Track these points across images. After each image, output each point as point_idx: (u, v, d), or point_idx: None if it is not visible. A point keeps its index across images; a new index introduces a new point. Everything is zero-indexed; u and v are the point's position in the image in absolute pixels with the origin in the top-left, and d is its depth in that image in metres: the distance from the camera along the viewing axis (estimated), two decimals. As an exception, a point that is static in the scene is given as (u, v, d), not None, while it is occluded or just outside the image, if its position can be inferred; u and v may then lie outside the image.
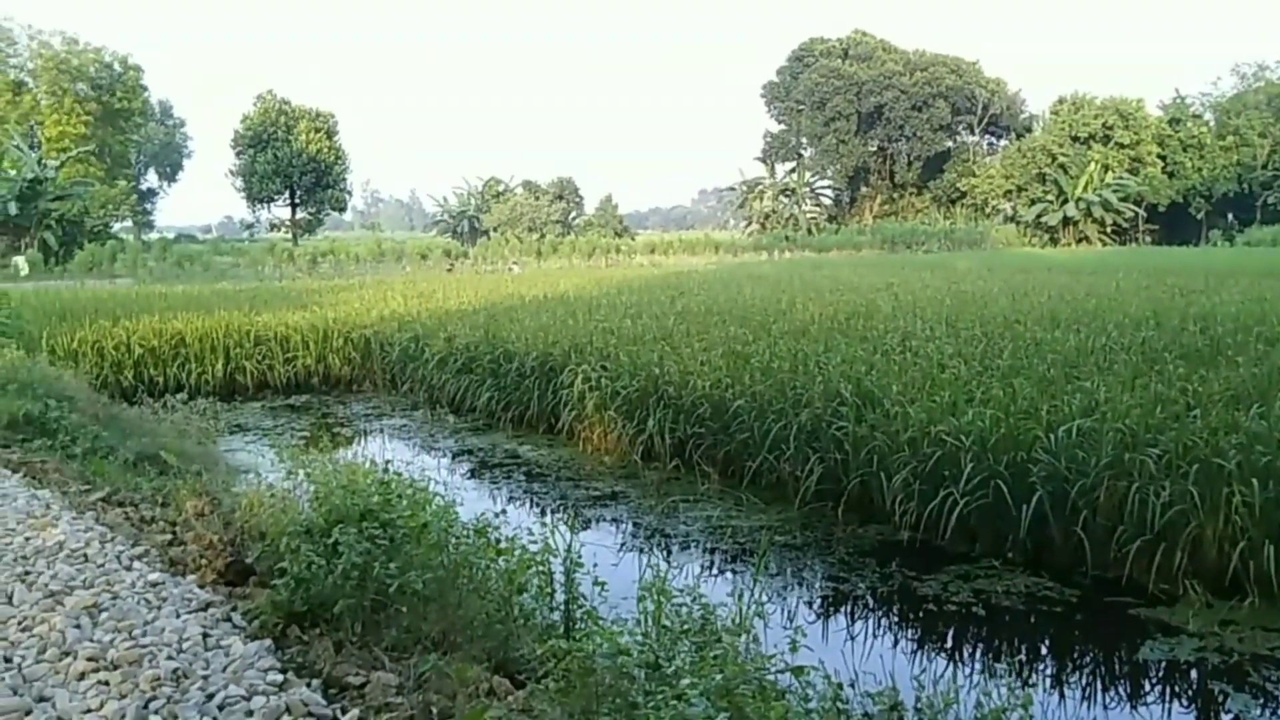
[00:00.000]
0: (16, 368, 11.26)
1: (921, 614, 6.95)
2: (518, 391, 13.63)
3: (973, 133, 77.19)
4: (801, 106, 74.96)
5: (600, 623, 4.78)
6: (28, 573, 4.90)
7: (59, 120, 60.37)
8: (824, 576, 7.73)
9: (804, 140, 77.76)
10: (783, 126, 78.92)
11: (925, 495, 8.00)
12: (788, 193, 76.30)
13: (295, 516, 5.53)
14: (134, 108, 66.84)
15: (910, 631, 6.86)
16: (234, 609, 4.56)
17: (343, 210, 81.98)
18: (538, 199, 71.75)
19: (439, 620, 4.45)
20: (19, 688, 3.67)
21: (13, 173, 49.46)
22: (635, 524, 9.36)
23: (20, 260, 45.13)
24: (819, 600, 7.39)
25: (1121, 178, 65.47)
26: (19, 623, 4.29)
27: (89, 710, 3.49)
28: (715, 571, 7.96)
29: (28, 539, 5.41)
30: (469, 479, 11.28)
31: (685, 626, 4.64)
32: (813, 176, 77.41)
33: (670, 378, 11.23)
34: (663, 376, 11.31)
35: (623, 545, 8.79)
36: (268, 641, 4.16)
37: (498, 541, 5.03)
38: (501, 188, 76.66)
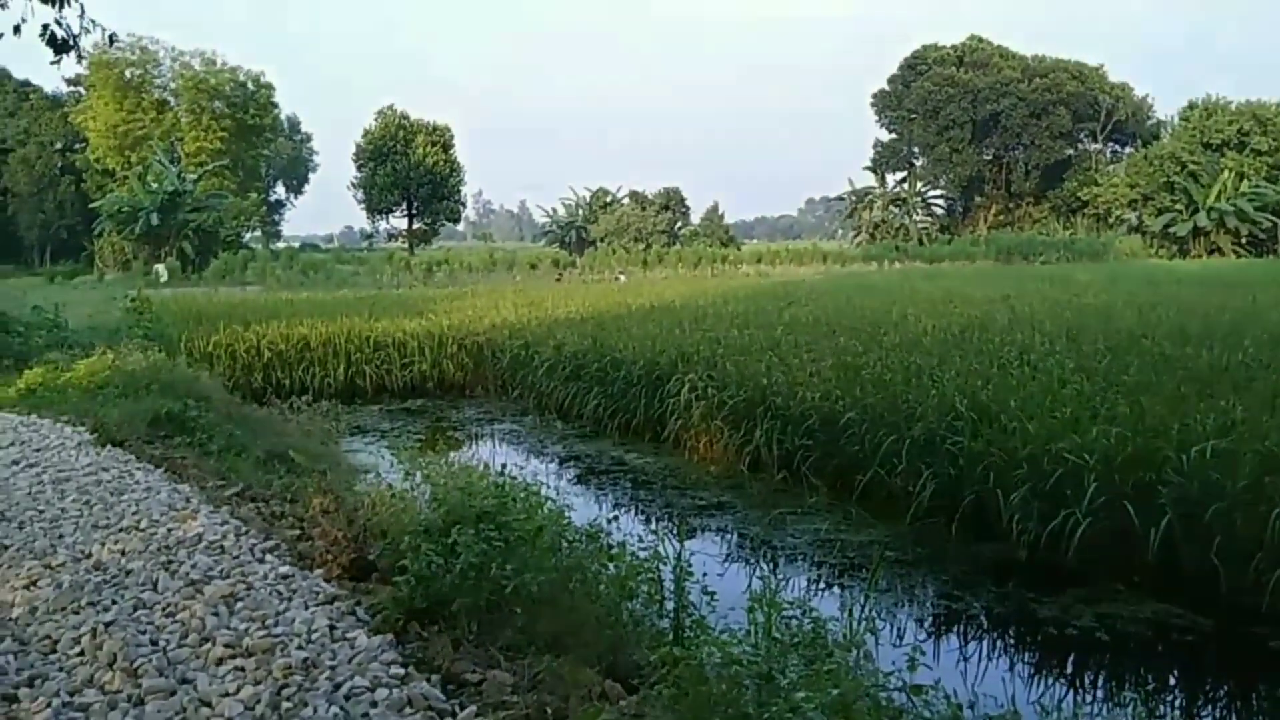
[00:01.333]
0: (159, 369, 11.95)
1: (1041, 637, 6.72)
2: (624, 399, 13.76)
3: (1095, 140, 74.21)
4: (914, 115, 73.42)
5: (710, 632, 4.80)
6: (170, 562, 5.20)
7: (197, 136, 63.74)
8: (937, 594, 7.56)
9: (916, 149, 76.12)
10: (894, 135, 77.45)
11: (1045, 514, 7.74)
12: (898, 203, 74.82)
13: (414, 516, 5.72)
14: (265, 124, 70.08)
15: (1029, 655, 6.65)
16: (358, 603, 4.74)
17: (457, 221, 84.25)
18: (644, 209, 72.21)
19: (552, 622, 4.54)
20: (164, 669, 3.91)
21: (155, 186, 52.49)
22: (741, 534, 9.33)
23: (161, 268, 47.84)
24: (932, 618, 7.22)
25: (1258, 186, 61.88)
26: (163, 609, 4.56)
27: (227, 694, 3.68)
28: (824, 585, 7.87)
29: (170, 530, 5.75)
30: (576, 484, 11.43)
31: (796, 640, 4.60)
32: (924, 186, 75.70)
33: (778, 388, 11.16)
34: (771, 387, 11.24)
35: (728, 555, 8.78)
36: (389, 636, 4.31)
37: (610, 548, 5.09)
38: (609, 198, 77.42)
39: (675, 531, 8.40)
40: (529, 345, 17.08)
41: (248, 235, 66.38)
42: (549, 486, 7.67)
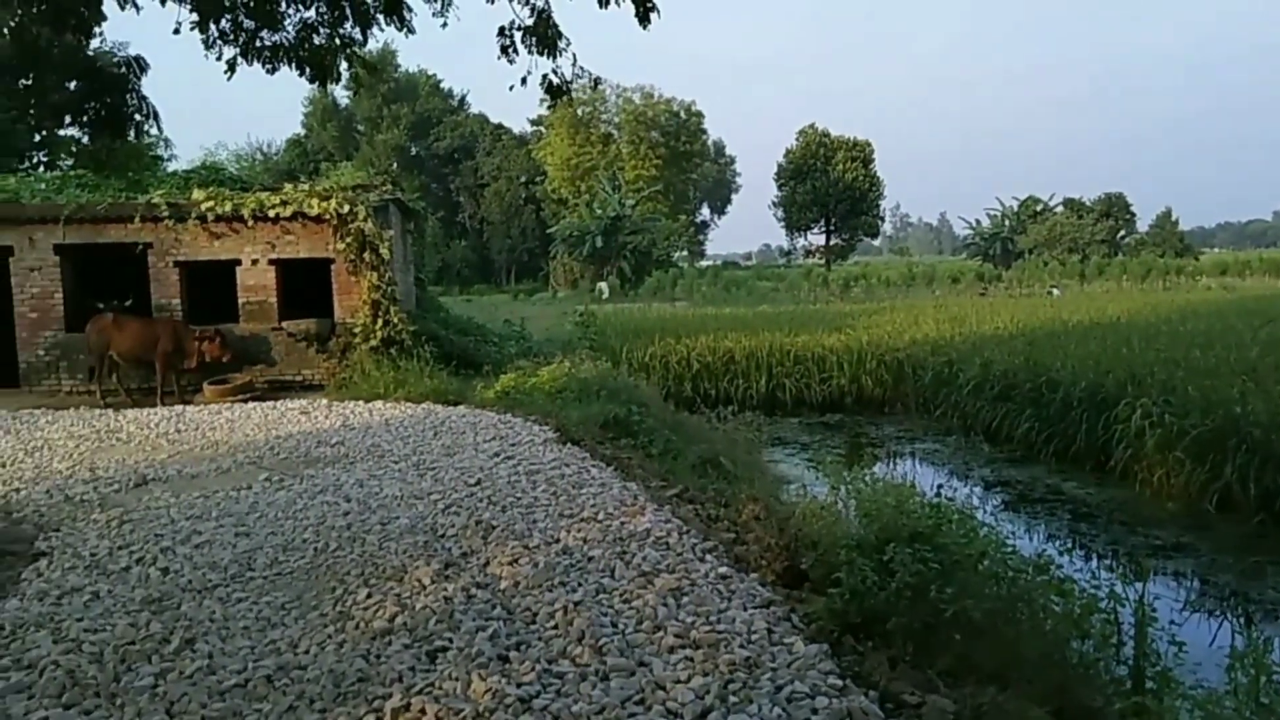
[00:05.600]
0: (605, 377, 13.22)
1: None
2: (1062, 423, 12.73)
3: None
4: None
5: (1178, 686, 4.28)
6: (624, 552, 5.71)
7: (636, 165, 69.92)
8: None
9: None
10: None
11: None
12: None
13: (845, 530, 5.75)
14: (695, 149, 75.01)
15: None
16: (792, 610, 4.85)
17: (875, 236, 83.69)
18: (1080, 217, 66.43)
19: (993, 653, 4.31)
20: (624, 651, 4.29)
21: (600, 211, 58.40)
22: (1205, 581, 8.21)
23: (603, 285, 53.12)
24: None
25: None
26: (620, 595, 5.01)
27: (678, 681, 3.95)
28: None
29: (622, 524, 6.31)
30: (1004, 511, 10.77)
31: (1292, 711, 3.95)
32: None
33: (1256, 418, 9.66)
34: (1246, 416, 9.77)
35: (1187, 603, 7.76)
36: (825, 646, 4.36)
37: (1061, 581, 4.72)
38: (1039, 207, 72.26)
39: (1126, 571, 7.61)
40: (952, 362, 16.45)
41: (676, 254, 71.25)
42: (983, 511, 7.30)
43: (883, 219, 78.59)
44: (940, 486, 5.96)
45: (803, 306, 34.38)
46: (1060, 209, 71.27)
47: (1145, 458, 10.89)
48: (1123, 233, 70.08)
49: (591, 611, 4.74)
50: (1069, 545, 9.49)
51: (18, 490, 7.98)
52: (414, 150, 76.47)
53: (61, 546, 6.31)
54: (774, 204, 76.65)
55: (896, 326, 21.21)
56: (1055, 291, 42.08)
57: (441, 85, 79.00)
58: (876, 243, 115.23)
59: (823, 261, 73.48)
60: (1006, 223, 73.46)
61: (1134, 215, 71.36)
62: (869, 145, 73.16)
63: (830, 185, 70.76)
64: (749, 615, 4.66)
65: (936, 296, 42.42)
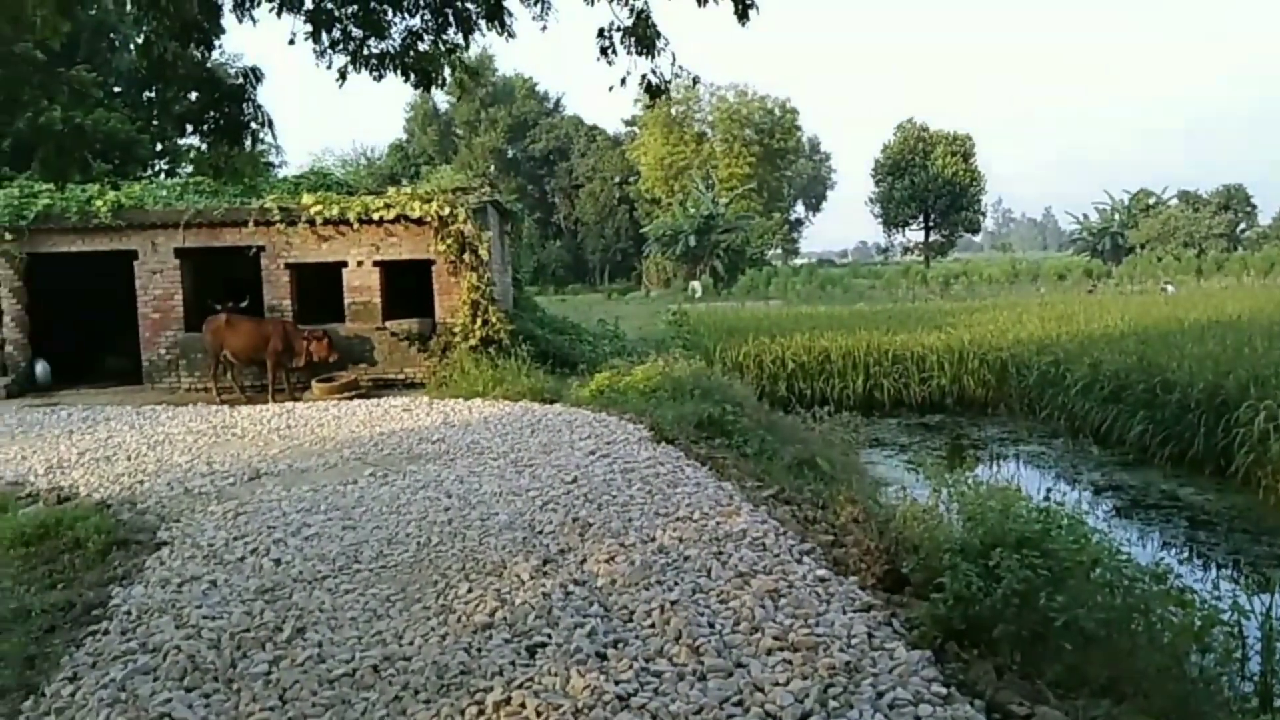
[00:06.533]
0: (699, 376, 13.19)
1: None
2: (1178, 426, 12.19)
3: None
4: None
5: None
6: (720, 552, 5.69)
7: (729, 163, 69.55)
8: None
9: None
10: None
11: None
12: None
13: (948, 534, 5.61)
14: (789, 147, 74.23)
15: None
16: (893, 615, 4.76)
17: (976, 232, 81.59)
18: (1196, 211, 63.45)
19: (1105, 664, 4.15)
20: (721, 651, 4.28)
21: (693, 210, 58.34)
22: (1340, 597, 7.72)
23: (695, 284, 53.06)
24: None
25: None
26: (717, 595, 5.00)
27: (777, 684, 3.92)
28: None
29: (718, 523, 6.29)
30: (1116, 517, 10.36)
31: None
32: None
33: (1395, 422, 9.08)
34: (1383, 420, 9.19)
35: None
36: (928, 652, 4.26)
37: (1180, 591, 4.52)
38: (1152, 200, 69.26)
39: (1250, 582, 7.24)
40: (1059, 362, 15.92)
41: (770, 253, 70.70)
42: (1094, 517, 7.04)
43: (984, 214, 76.50)
44: (1048, 490, 5.76)
45: (901, 305, 33.72)
46: (1174, 202, 68.21)
47: (1270, 463, 10.34)
48: (1243, 226, 66.67)
49: (688, 611, 4.74)
50: (1187, 554, 9.08)
51: (141, 482, 8.40)
52: (510, 152, 77.69)
53: (181, 536, 6.62)
54: (870, 200, 75.39)
55: (999, 325, 20.62)
56: (1169, 288, 40.28)
57: (537, 88, 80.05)
58: (978, 239, 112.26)
59: (921, 258, 71.90)
60: (1116, 217, 70.59)
61: (1255, 208, 67.83)
62: (969, 139, 71.33)
63: (929, 180, 69.20)
64: (848, 619, 4.60)
65: (1041, 294, 41.04)
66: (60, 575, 5.87)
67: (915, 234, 75.64)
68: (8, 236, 14.53)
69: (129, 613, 5.10)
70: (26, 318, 15.09)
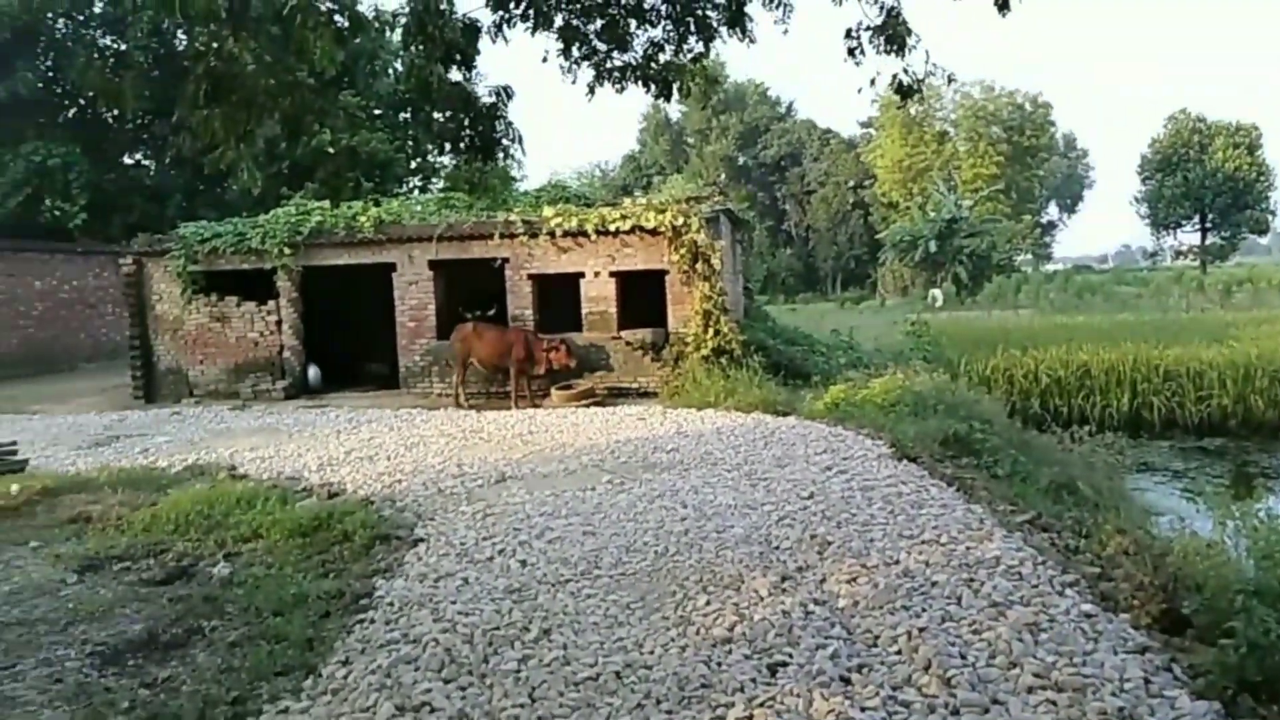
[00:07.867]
0: (942, 390, 12.57)
1: None
2: None
3: None
4: None
5: None
6: (971, 580, 5.34)
7: (974, 163, 66.26)
8: None
9: None
10: None
11: None
12: None
13: (1237, 572, 5.00)
14: (1041, 144, 69.78)
15: None
16: (1173, 659, 4.28)
17: (1263, 233, 73.19)
18: None
19: None
20: (975, 685, 4.00)
21: (934, 214, 56.02)
22: None
23: (936, 292, 50.88)
24: None
25: None
26: (969, 625, 4.69)
27: (1039, 726, 3.60)
28: None
29: (968, 549, 5.92)
30: None
31: None
32: None
33: None
34: None
35: None
36: (1216, 704, 3.80)
37: None
38: None
39: None
40: (1370, 380, 13.92)
41: (1019, 258, 66.68)
42: None
43: (1273, 214, 68.28)
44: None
45: (1173, 315, 30.70)
46: None
47: None
48: None
49: (938, 639, 4.48)
50: None
51: (399, 481, 9.02)
52: (741, 160, 77.84)
53: (436, 534, 7.03)
54: (1136, 200, 69.26)
55: (1293, 338, 18.33)
56: None
57: (769, 93, 79.77)
58: (1264, 241, 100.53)
59: (1197, 264, 65.29)
60: None
61: None
62: (1255, 129, 63.96)
63: (1206, 176, 62.66)
64: (1120, 660, 4.18)
65: (1345, 302, 36.15)
66: (331, 565, 6.38)
67: (1189, 236, 68.74)
68: (286, 251, 16.13)
69: (392, 604, 5.46)
70: (302, 326, 16.68)
